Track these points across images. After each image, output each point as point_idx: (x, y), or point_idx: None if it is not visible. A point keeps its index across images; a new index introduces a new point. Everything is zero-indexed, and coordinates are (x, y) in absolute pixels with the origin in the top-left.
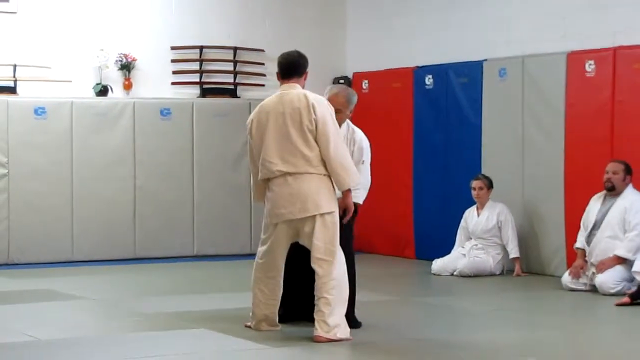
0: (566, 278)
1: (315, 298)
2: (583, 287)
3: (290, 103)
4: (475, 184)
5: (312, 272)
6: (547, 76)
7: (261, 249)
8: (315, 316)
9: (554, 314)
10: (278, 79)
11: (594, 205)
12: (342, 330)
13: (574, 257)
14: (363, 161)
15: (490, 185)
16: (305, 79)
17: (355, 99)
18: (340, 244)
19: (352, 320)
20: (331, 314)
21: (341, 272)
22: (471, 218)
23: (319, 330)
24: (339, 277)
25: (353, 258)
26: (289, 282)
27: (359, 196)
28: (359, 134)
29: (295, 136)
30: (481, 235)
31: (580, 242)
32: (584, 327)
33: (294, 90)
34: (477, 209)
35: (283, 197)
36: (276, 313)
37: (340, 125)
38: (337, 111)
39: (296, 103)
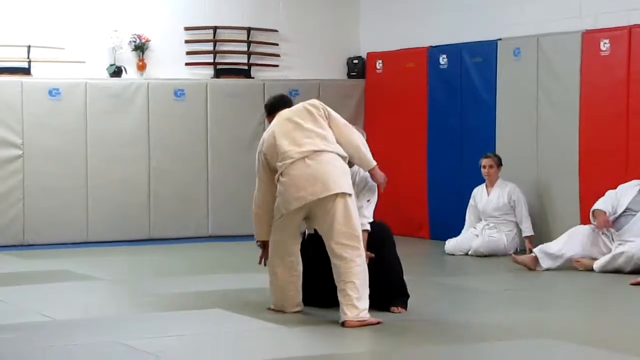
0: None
1: (341, 283)
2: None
3: (292, 111)
4: (484, 162)
5: (326, 260)
6: (562, 55)
7: (273, 237)
8: (343, 300)
9: (568, 293)
10: (267, 117)
11: (629, 191)
12: (367, 313)
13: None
14: (368, 200)
15: (499, 163)
16: None
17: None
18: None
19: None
20: (360, 297)
21: (364, 257)
22: (480, 197)
23: (349, 314)
24: (362, 263)
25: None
26: (305, 269)
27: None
28: (369, 179)
29: (308, 123)
30: (492, 213)
31: (604, 207)
32: (598, 306)
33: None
34: (487, 187)
35: (303, 178)
36: (299, 291)
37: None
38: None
39: (299, 107)
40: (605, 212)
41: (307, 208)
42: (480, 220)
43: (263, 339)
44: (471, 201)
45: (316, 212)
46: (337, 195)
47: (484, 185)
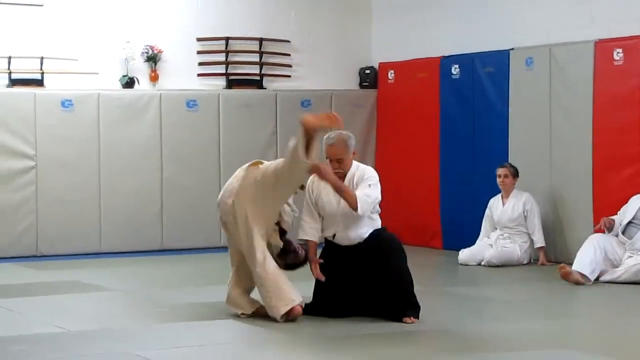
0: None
1: None
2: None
3: None
4: (500, 171)
5: (338, 271)
6: (575, 65)
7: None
8: None
9: (581, 303)
10: None
11: (636, 202)
12: None
13: None
14: (370, 185)
15: (515, 173)
16: None
17: (352, 141)
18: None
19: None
20: None
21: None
22: (496, 207)
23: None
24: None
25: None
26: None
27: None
28: (368, 171)
29: None
30: (507, 224)
31: (615, 218)
32: (612, 316)
33: None
34: (502, 197)
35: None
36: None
37: (347, 169)
38: (339, 160)
39: None
40: (613, 220)
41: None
42: (496, 229)
43: (275, 350)
44: (487, 211)
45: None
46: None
47: (499, 195)
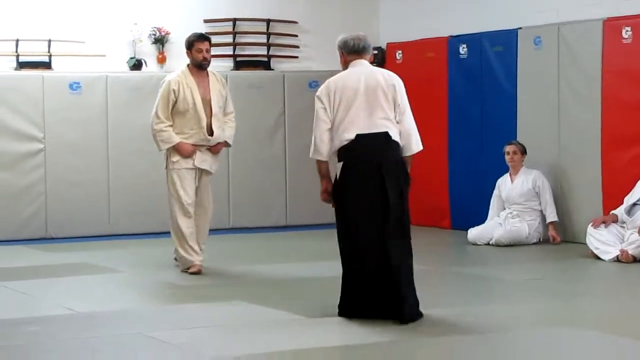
0: (592, 234)
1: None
2: (612, 256)
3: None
4: (508, 148)
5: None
6: (583, 43)
7: None
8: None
9: (591, 282)
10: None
11: None
12: None
13: None
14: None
15: (523, 150)
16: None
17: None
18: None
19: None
20: None
21: None
22: (504, 185)
23: None
24: None
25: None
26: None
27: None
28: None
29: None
30: (516, 200)
31: (618, 210)
32: (621, 295)
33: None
34: (511, 175)
35: None
36: None
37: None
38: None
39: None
40: (615, 217)
41: None
42: (504, 209)
43: (285, 331)
44: (495, 191)
45: None
46: None
47: (507, 174)
